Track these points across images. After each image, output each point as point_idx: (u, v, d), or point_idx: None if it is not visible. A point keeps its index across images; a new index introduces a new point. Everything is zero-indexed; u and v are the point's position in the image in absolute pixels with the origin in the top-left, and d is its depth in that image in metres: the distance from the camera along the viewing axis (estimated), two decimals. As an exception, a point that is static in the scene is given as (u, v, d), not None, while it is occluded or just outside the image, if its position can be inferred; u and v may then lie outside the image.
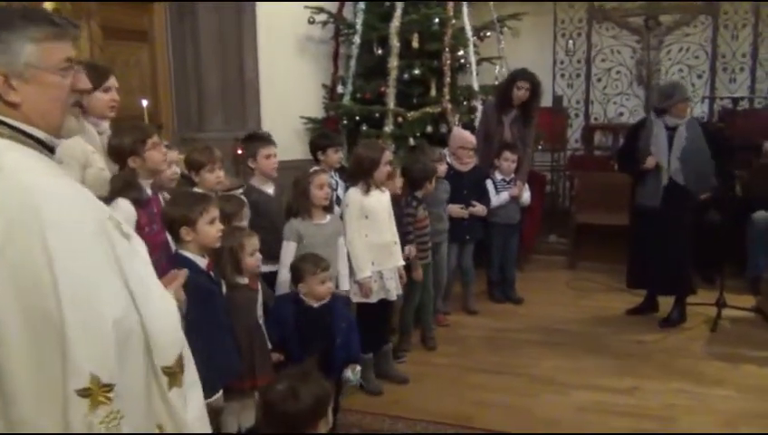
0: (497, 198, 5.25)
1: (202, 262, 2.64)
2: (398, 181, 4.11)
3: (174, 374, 1.53)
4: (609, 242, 6.02)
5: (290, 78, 6.58)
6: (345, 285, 3.70)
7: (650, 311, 5.01)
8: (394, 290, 3.86)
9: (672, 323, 4.78)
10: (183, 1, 6.60)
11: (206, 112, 6.73)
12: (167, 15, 6.90)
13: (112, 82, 3.17)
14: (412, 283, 4.26)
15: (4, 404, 1.32)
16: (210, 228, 2.61)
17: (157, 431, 1.52)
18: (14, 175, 1.37)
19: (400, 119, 5.86)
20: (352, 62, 6.26)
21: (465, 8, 6.13)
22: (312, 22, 6.44)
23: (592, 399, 3.73)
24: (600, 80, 7.08)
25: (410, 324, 4.48)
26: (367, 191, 3.76)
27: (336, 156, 4.18)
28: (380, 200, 3.83)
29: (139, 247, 1.58)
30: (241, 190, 3.84)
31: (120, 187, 2.80)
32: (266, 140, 3.95)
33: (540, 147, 6.55)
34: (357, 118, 5.97)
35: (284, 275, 3.50)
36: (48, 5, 5.57)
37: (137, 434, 1.44)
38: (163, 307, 1.54)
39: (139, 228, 2.79)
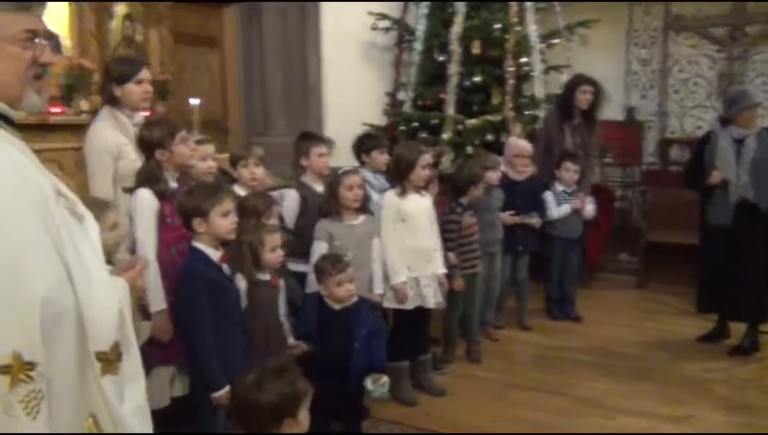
0: (558, 211, 4.97)
1: (214, 254, 2.57)
2: (433, 186, 3.92)
3: (109, 362, 1.45)
4: (683, 262, 5.56)
5: (353, 84, 6.54)
6: (378, 288, 3.56)
7: (721, 337, 4.59)
8: (431, 298, 3.68)
9: (743, 351, 4.35)
10: (251, 1, 6.66)
11: (271, 117, 6.81)
12: (237, 21, 7.04)
13: (145, 74, 3.19)
14: (455, 292, 4.07)
15: None
16: (223, 220, 2.54)
17: (89, 421, 1.44)
18: None
19: (459, 126, 5.67)
20: (413, 69, 6.14)
21: (529, 14, 5.88)
22: (375, 28, 6.39)
23: (639, 424, 3.42)
24: (676, 91, 6.64)
25: (454, 335, 4.27)
26: (403, 193, 3.61)
27: (381, 157, 4.04)
28: (419, 204, 3.67)
29: (91, 231, 1.51)
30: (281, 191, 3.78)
31: (144, 178, 2.79)
32: (319, 138, 3.91)
33: (609, 160, 6.21)
34: (415, 124, 5.82)
35: (314, 278, 3.40)
36: (120, 8, 5.84)
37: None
38: (102, 292, 1.46)
39: (162, 219, 2.78)
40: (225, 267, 2.62)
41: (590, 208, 5.09)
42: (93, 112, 3.54)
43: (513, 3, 5.72)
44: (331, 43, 6.61)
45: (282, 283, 3.01)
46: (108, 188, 2.98)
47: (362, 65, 6.69)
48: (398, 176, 3.64)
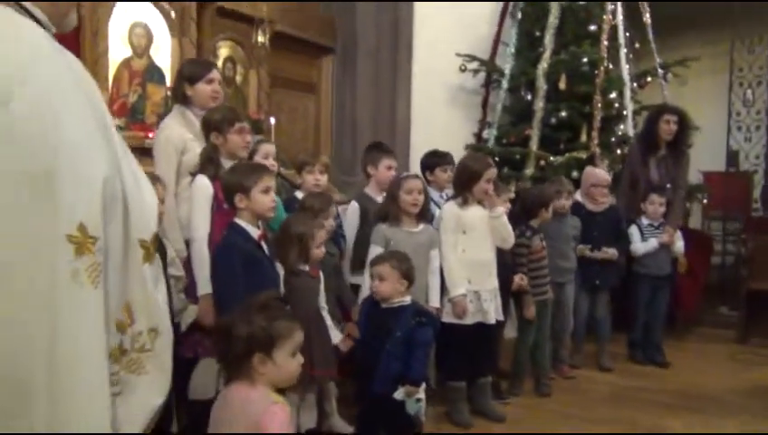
0: (644, 246, 4.68)
1: (254, 231, 2.61)
2: (501, 204, 3.79)
3: (148, 250, 1.57)
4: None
5: (440, 126, 6.57)
6: (435, 301, 3.45)
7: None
8: (493, 313, 3.51)
9: None
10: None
11: (358, 157, 6.88)
12: (333, 68, 7.33)
13: (215, 74, 3.35)
14: (525, 320, 3.87)
15: None
16: (264, 197, 2.58)
17: (125, 308, 1.52)
18: (24, 30, 1.43)
19: (543, 162, 5.52)
20: (498, 106, 6.11)
21: (622, 51, 5.72)
22: (463, 70, 6.42)
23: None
24: (783, 133, 6.22)
25: (522, 366, 4.03)
26: (464, 204, 3.52)
27: (445, 175, 4.00)
28: (482, 216, 3.56)
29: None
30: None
31: (202, 162, 2.89)
32: (390, 152, 3.95)
33: (705, 200, 5.82)
34: (497, 159, 5.72)
35: (368, 280, 3.35)
36: (223, 51, 6.22)
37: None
38: (145, 187, 1.61)
39: (218, 203, 2.84)
40: (264, 246, 2.62)
41: (679, 244, 4.76)
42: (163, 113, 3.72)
43: (604, 37, 5.58)
44: (421, 84, 6.72)
45: (321, 275, 2.98)
46: (170, 179, 3.09)
47: (450, 107, 6.73)
48: (461, 186, 3.56)
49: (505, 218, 3.61)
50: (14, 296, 1.31)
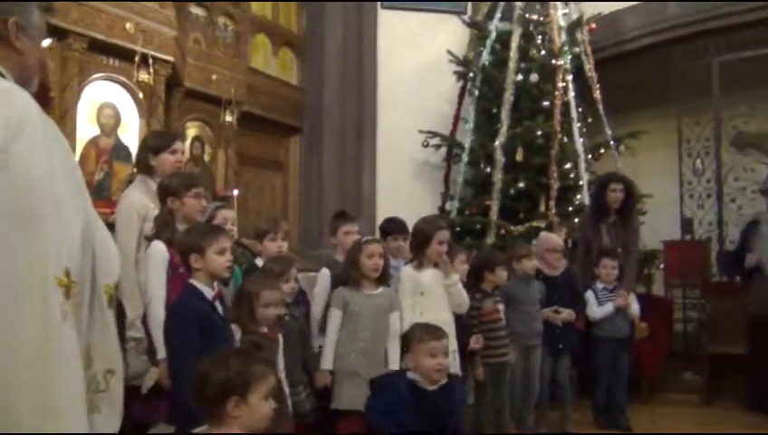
0: (601, 310, 4.80)
1: (209, 292, 2.68)
2: (460, 266, 3.93)
3: (111, 297, 1.70)
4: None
5: (405, 200, 6.74)
6: (395, 364, 3.49)
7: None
8: (452, 370, 3.56)
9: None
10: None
11: (324, 232, 7.01)
12: (300, 147, 7.57)
13: (178, 145, 3.49)
14: (478, 383, 3.94)
15: None
16: (219, 258, 2.67)
17: (87, 347, 1.61)
18: (14, 91, 1.56)
19: (503, 231, 5.72)
20: (460, 179, 6.35)
21: (574, 125, 6.04)
22: (426, 145, 6.70)
23: None
24: (733, 200, 6.49)
25: (482, 426, 4.05)
26: (419, 266, 3.64)
27: (394, 244, 4.15)
28: (439, 278, 3.67)
29: None
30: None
31: (158, 227, 2.99)
32: (348, 218, 4.12)
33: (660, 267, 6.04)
34: (458, 229, 5.91)
35: (330, 343, 3.42)
36: (191, 131, 6.41)
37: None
38: (108, 241, 1.76)
39: (173, 268, 2.93)
40: (218, 307, 2.70)
41: (635, 307, 4.88)
42: (127, 181, 3.84)
43: (557, 112, 5.90)
44: (385, 160, 6.98)
45: (280, 337, 3.04)
46: (131, 246, 3.17)
47: (414, 181, 6.98)
48: (415, 249, 3.70)
49: (460, 286, 3.72)
50: (3, 331, 1.37)
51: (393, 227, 4.21)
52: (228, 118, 6.31)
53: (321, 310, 3.72)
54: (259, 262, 3.62)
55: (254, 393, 1.89)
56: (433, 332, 2.88)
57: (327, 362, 3.41)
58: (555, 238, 4.83)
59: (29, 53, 1.68)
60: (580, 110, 6.23)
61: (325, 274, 3.82)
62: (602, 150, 6.34)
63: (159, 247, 2.95)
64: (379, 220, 6.73)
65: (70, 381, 1.44)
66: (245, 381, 1.88)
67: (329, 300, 3.68)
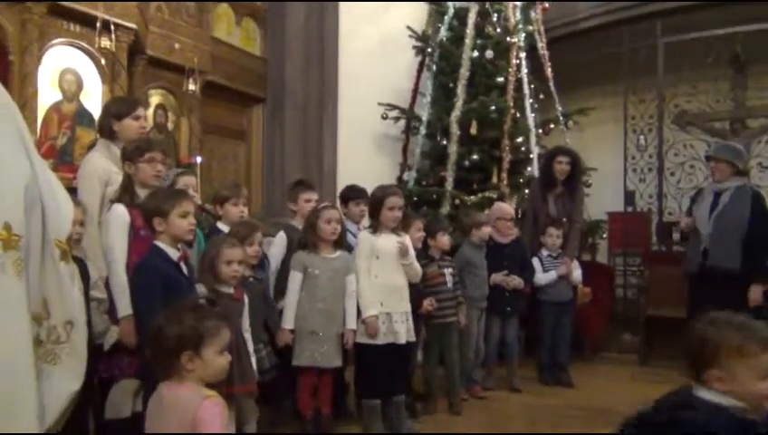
0: (545, 277, 4.95)
1: (173, 253, 2.68)
2: (417, 234, 3.99)
3: (64, 250, 1.70)
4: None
5: (365, 170, 6.71)
6: (351, 323, 3.57)
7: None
8: (404, 334, 3.66)
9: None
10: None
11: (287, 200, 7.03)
12: (263, 117, 7.51)
13: (141, 111, 3.46)
14: (430, 341, 4.04)
15: None
16: (182, 221, 2.67)
17: (41, 301, 1.62)
18: None
19: (458, 201, 5.80)
20: (417, 151, 6.40)
21: (527, 101, 6.12)
22: (385, 118, 6.71)
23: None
24: (672, 174, 6.69)
25: (431, 385, 4.18)
26: (375, 231, 3.70)
27: (357, 209, 4.19)
28: (395, 243, 3.73)
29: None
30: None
31: (119, 191, 2.97)
32: (308, 186, 4.13)
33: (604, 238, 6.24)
34: (415, 199, 5.97)
35: (290, 303, 3.46)
36: (154, 98, 6.29)
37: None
38: (60, 194, 1.74)
39: (134, 230, 2.91)
40: (183, 267, 2.71)
41: (577, 273, 5.05)
42: (89, 146, 3.78)
43: (510, 88, 5.97)
44: (346, 132, 6.97)
45: (245, 297, 3.06)
46: (94, 208, 3.14)
47: (374, 153, 6.99)
48: (371, 214, 3.75)
49: (415, 263, 3.79)
50: None
51: (353, 194, 4.26)
52: (192, 87, 6.21)
53: (275, 269, 3.77)
54: (220, 225, 3.63)
55: (207, 347, 1.91)
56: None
57: (288, 322, 3.47)
58: (507, 208, 4.94)
59: None
60: (532, 86, 6.32)
61: (281, 237, 3.87)
62: (552, 126, 6.46)
63: (120, 210, 2.93)
64: (340, 190, 6.88)
65: (9, 329, 1.46)
66: (199, 336, 1.89)
67: (284, 261, 3.73)
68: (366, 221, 4.16)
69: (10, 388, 1.45)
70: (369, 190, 6.44)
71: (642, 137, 6.79)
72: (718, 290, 3.91)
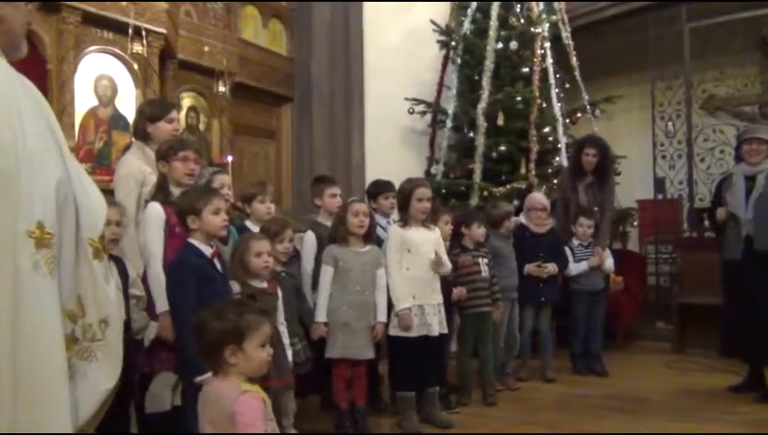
0: (577, 267, 4.87)
1: (207, 250, 2.68)
2: (445, 226, 3.95)
3: (97, 248, 1.66)
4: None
5: (393, 165, 6.71)
6: (381, 316, 3.54)
7: (753, 389, 4.19)
8: (437, 326, 3.62)
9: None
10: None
11: (315, 195, 7.04)
12: (292, 115, 7.52)
13: (175, 114, 3.48)
14: (464, 331, 4.00)
15: None
16: (214, 218, 2.67)
17: (76, 299, 1.61)
18: None
19: (486, 193, 5.74)
20: (444, 144, 6.35)
21: (552, 90, 6.02)
22: (411, 112, 6.67)
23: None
24: (702, 160, 6.52)
25: (467, 376, 4.13)
26: (405, 224, 3.66)
27: (387, 202, 4.16)
28: (425, 236, 3.69)
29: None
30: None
31: (154, 190, 2.99)
32: (331, 181, 4.11)
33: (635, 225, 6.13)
34: (443, 192, 5.92)
35: (322, 297, 3.45)
36: (186, 101, 6.34)
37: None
38: (92, 192, 1.71)
39: (169, 227, 2.93)
40: (217, 263, 2.71)
41: (609, 262, 4.96)
42: (124, 148, 3.82)
43: (536, 78, 5.89)
44: (373, 128, 6.95)
45: (279, 292, 3.06)
46: (131, 208, 3.16)
47: (401, 147, 6.96)
48: (401, 208, 3.72)
49: (448, 263, 3.75)
50: None
51: (380, 188, 4.23)
52: (221, 88, 6.24)
53: (310, 267, 3.75)
54: (249, 224, 3.63)
55: (249, 341, 1.90)
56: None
57: (321, 315, 3.45)
58: (540, 198, 4.87)
59: (11, 18, 1.65)
60: (557, 76, 6.23)
61: (310, 235, 3.84)
62: (579, 115, 6.36)
63: (156, 208, 2.94)
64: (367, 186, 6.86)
65: (42, 326, 1.46)
66: (240, 330, 1.88)
67: (319, 258, 3.71)
68: (396, 214, 4.15)
69: (43, 386, 1.45)
70: (398, 184, 6.50)
71: (670, 123, 6.62)
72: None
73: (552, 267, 4.61)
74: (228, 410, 1.83)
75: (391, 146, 6.93)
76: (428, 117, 6.74)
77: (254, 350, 1.91)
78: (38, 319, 1.45)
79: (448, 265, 3.76)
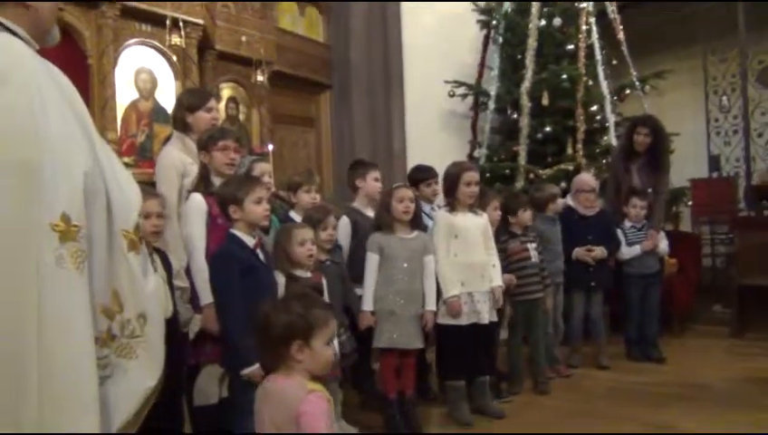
0: (629, 251, 4.66)
1: (249, 240, 2.62)
2: (494, 212, 3.81)
3: (132, 240, 1.58)
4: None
5: (434, 149, 6.58)
6: (431, 304, 3.43)
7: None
8: (486, 314, 3.49)
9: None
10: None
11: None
12: (331, 103, 7.45)
13: (213, 103, 3.41)
14: (515, 318, 3.86)
15: None
16: (256, 207, 2.60)
17: (111, 294, 1.53)
18: (9, 41, 1.49)
19: (532, 175, 5.56)
20: (487, 126, 6.17)
21: (599, 67, 5.78)
22: (452, 95, 6.52)
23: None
24: (760, 135, 6.19)
25: (518, 365, 4.00)
26: (453, 210, 3.54)
27: (428, 190, 4.03)
28: (473, 221, 3.57)
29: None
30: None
31: (196, 181, 2.93)
32: (375, 165, 4.02)
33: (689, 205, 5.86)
34: (488, 175, 5.76)
35: (368, 286, 3.35)
36: (226, 91, 6.32)
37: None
38: (125, 181, 1.62)
39: (212, 218, 2.87)
40: (260, 254, 2.64)
41: (663, 245, 4.74)
42: (165, 140, 3.78)
43: (582, 55, 5.66)
44: (414, 113, 6.82)
45: (323, 281, 2.98)
46: (173, 200, 3.11)
47: (443, 131, 6.82)
48: (447, 193, 3.59)
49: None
50: (1, 279, 1.33)
51: (421, 175, 4.09)
52: (260, 77, 6.19)
53: (346, 255, 3.63)
54: (293, 214, 3.55)
55: (316, 338, 1.78)
56: None
57: (368, 304, 3.34)
58: (588, 179, 4.67)
59: (39, 5, 1.59)
60: (604, 52, 5.97)
61: (345, 222, 3.73)
62: (628, 91, 6.08)
63: (197, 199, 2.89)
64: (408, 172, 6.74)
65: (68, 323, 1.39)
66: (308, 325, 1.78)
67: (351, 247, 3.63)
68: (439, 200, 4.03)
69: (70, 384, 1.38)
70: (441, 170, 6.37)
71: (725, 98, 6.32)
72: None
73: (600, 251, 4.42)
74: (294, 409, 1.71)
75: (432, 130, 6.79)
76: (470, 99, 6.57)
77: (321, 347, 1.79)
78: (64, 315, 1.38)
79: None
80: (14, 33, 1.57)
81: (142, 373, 1.55)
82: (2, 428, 1.31)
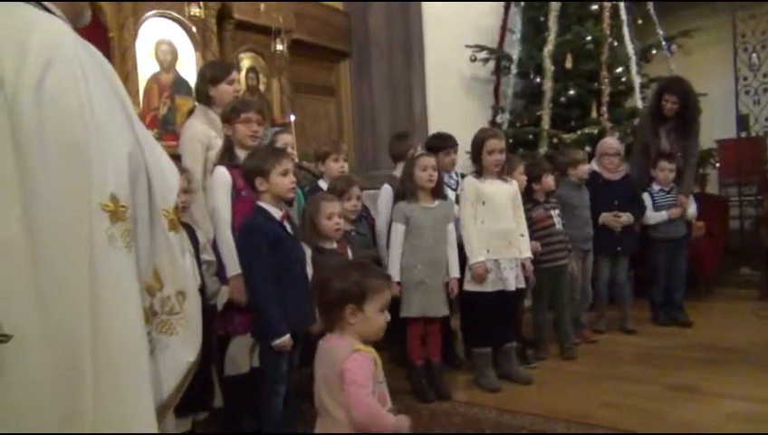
0: (655, 216, 4.60)
1: (276, 212, 2.62)
2: (521, 177, 3.77)
3: (172, 220, 1.59)
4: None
5: (456, 115, 6.51)
6: (454, 272, 3.43)
7: None
8: (513, 281, 3.48)
9: None
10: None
11: (380, 152, 6.91)
12: (350, 71, 7.37)
13: (235, 75, 3.41)
14: (539, 285, 3.84)
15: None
16: (283, 179, 2.60)
17: (152, 271, 1.54)
18: (48, 21, 1.47)
19: (556, 140, 5.48)
20: (510, 91, 6.07)
21: (624, 27, 5.63)
22: (473, 60, 6.40)
23: (745, 408, 2.97)
24: (791, 93, 6.04)
25: (542, 330, 4.00)
26: (479, 176, 3.51)
27: (447, 159, 3.99)
28: (501, 188, 3.53)
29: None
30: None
31: (220, 154, 2.94)
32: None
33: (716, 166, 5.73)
34: (510, 141, 5.68)
35: (395, 256, 3.36)
36: (245, 62, 6.28)
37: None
38: (165, 161, 1.63)
39: (236, 191, 2.88)
40: (287, 226, 2.65)
41: (692, 209, 4.68)
42: (188, 113, 3.78)
43: (606, 15, 5.52)
44: (435, 78, 6.71)
45: (349, 251, 2.99)
46: (198, 173, 3.12)
47: (464, 97, 6.71)
48: (474, 159, 3.56)
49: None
50: (54, 261, 1.34)
51: (440, 143, 4.05)
52: (279, 47, 6.13)
53: (385, 223, 3.65)
54: (321, 183, 3.56)
55: (369, 304, 1.90)
56: None
57: (395, 274, 3.33)
58: (613, 142, 4.60)
59: None
60: (629, 11, 5.80)
61: (387, 189, 3.75)
62: (654, 52, 5.92)
63: (222, 172, 2.90)
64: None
65: (121, 301, 1.39)
66: (362, 291, 1.89)
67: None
68: (457, 169, 4.01)
69: (124, 361, 1.39)
70: (462, 136, 6.29)
71: (755, 55, 6.13)
72: None
73: (626, 217, 4.37)
74: (339, 366, 1.83)
75: (454, 97, 6.68)
76: (491, 64, 6.44)
77: (374, 313, 1.91)
78: (116, 294, 1.39)
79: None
80: (52, 13, 1.57)
81: (182, 349, 1.57)
82: (60, 417, 1.33)
